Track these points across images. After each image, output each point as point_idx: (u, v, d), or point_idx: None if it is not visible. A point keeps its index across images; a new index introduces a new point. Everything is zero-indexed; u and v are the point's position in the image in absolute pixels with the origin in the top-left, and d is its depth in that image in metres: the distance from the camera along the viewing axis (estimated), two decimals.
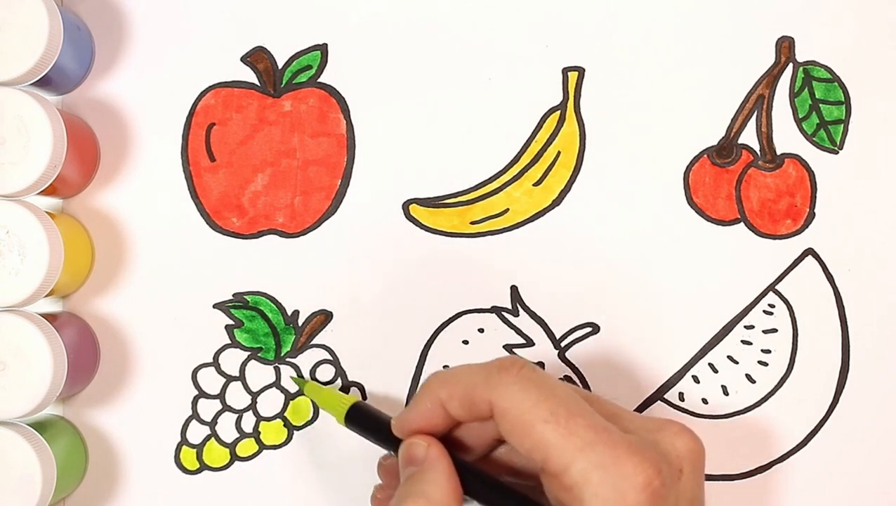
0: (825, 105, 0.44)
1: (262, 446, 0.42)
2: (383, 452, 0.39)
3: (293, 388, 0.42)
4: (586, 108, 0.43)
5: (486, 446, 0.35)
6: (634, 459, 0.30)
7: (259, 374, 0.42)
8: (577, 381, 0.43)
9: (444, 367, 0.42)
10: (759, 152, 0.43)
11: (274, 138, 0.43)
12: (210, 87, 0.43)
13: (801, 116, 0.44)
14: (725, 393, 0.43)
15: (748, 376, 0.43)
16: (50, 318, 0.39)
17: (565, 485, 0.30)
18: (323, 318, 0.42)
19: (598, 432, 0.31)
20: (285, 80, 0.43)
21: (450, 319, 0.43)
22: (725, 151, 0.43)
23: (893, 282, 0.43)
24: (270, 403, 0.42)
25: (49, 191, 0.39)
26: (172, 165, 0.42)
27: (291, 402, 0.42)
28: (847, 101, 0.44)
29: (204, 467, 0.42)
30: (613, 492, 0.30)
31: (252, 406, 0.42)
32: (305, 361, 0.42)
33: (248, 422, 0.42)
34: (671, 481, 0.31)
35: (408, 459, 0.34)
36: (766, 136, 0.43)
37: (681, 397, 0.43)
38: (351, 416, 0.38)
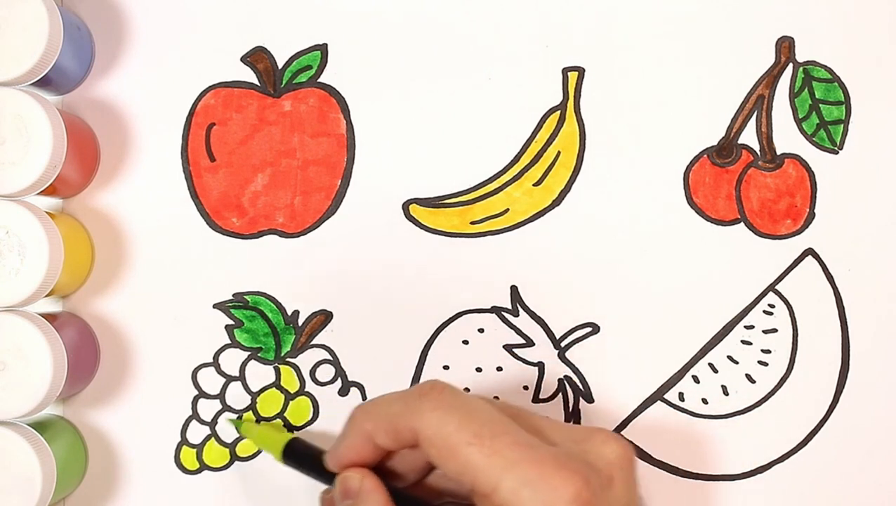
0: (825, 105, 0.44)
1: None
2: None
3: (293, 388, 0.42)
4: (586, 108, 0.43)
5: (419, 471, 0.35)
6: (562, 473, 0.30)
7: (259, 374, 0.42)
8: (577, 381, 0.43)
9: (444, 368, 0.42)
10: (759, 152, 0.43)
11: (274, 138, 0.43)
12: (210, 87, 0.43)
13: (801, 116, 0.44)
14: (725, 393, 0.43)
15: (748, 376, 0.43)
16: (50, 318, 0.39)
17: (496, 504, 0.30)
18: (323, 318, 0.42)
19: (523, 450, 0.31)
20: (285, 80, 0.43)
21: (450, 319, 0.42)
22: (725, 151, 0.43)
23: (893, 282, 0.43)
24: (270, 403, 0.42)
25: (49, 191, 0.39)
26: (172, 165, 0.42)
27: (291, 402, 0.42)
28: (847, 101, 0.44)
29: (204, 467, 0.42)
30: None
31: (252, 406, 0.42)
32: (305, 361, 0.42)
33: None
34: (601, 490, 0.31)
35: (343, 492, 0.34)
36: (766, 136, 0.43)
37: (681, 397, 0.43)
38: (288, 453, 0.38)
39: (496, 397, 0.42)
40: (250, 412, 0.42)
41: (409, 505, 0.33)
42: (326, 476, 0.36)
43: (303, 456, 0.38)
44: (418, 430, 0.32)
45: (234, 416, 0.42)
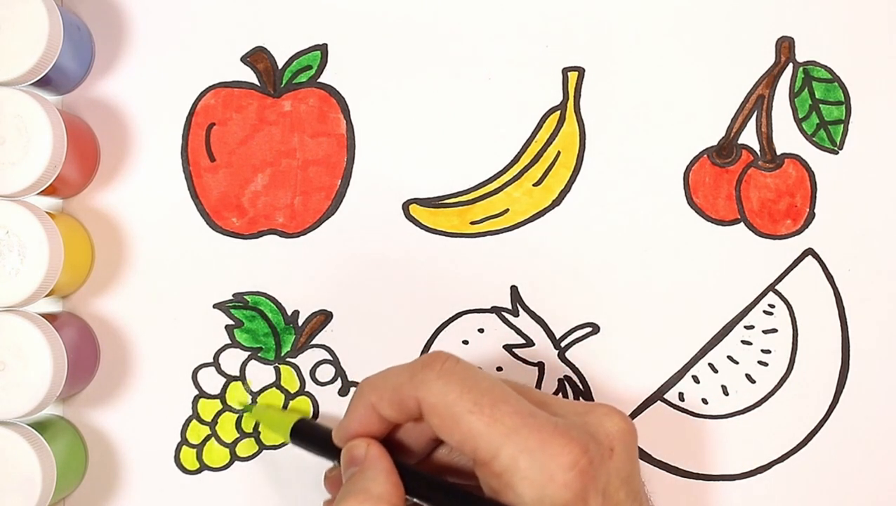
0: (825, 105, 0.44)
1: (262, 446, 0.42)
2: None
3: (293, 388, 0.42)
4: (586, 108, 0.43)
5: (424, 447, 0.35)
6: (560, 440, 0.31)
7: (259, 374, 0.42)
8: (577, 381, 0.43)
9: None
10: (759, 152, 0.43)
11: (274, 138, 0.43)
12: (210, 87, 0.43)
13: (801, 116, 0.44)
14: (725, 393, 0.43)
15: (748, 376, 0.43)
16: (50, 318, 0.39)
17: (495, 472, 0.31)
18: (323, 318, 0.42)
19: (523, 418, 0.31)
20: (285, 80, 0.43)
21: (450, 319, 0.43)
22: (725, 151, 0.43)
23: (893, 282, 0.43)
24: (270, 403, 0.42)
25: (49, 191, 0.39)
26: (172, 165, 0.42)
27: (291, 402, 0.42)
28: (847, 101, 0.44)
29: (204, 467, 0.42)
30: (542, 474, 0.30)
31: (252, 406, 0.42)
32: (305, 361, 0.42)
33: (249, 422, 0.42)
34: (600, 460, 0.31)
35: (349, 460, 0.34)
36: (766, 136, 0.43)
37: (681, 397, 0.43)
38: (296, 432, 0.38)
39: None
40: (266, 394, 0.42)
41: (413, 478, 0.33)
42: (333, 453, 0.36)
43: (310, 435, 0.38)
44: (421, 399, 0.32)
45: (249, 400, 0.42)
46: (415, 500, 0.33)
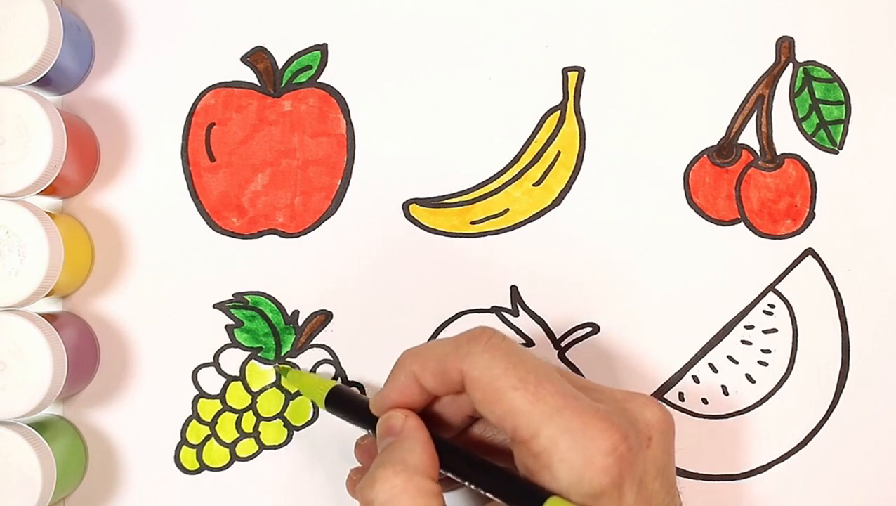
0: (825, 105, 0.44)
1: (262, 446, 0.42)
2: None
3: (294, 387, 0.42)
4: (586, 108, 0.43)
5: (461, 421, 0.35)
6: (601, 424, 0.30)
7: (259, 374, 0.42)
8: None
9: None
10: (759, 152, 0.43)
11: (274, 138, 0.43)
12: (210, 87, 0.43)
13: (801, 116, 0.44)
14: (725, 393, 0.43)
15: (748, 376, 0.43)
16: (50, 318, 0.39)
17: (534, 452, 0.31)
18: (323, 318, 0.42)
19: (566, 399, 0.31)
20: (285, 80, 0.43)
21: (450, 319, 0.42)
22: (725, 150, 0.43)
23: (893, 282, 0.43)
24: (270, 403, 0.42)
25: (49, 191, 0.39)
26: (172, 165, 0.42)
27: (291, 402, 0.42)
28: (847, 101, 0.44)
29: (204, 467, 0.42)
30: (581, 457, 0.30)
31: (252, 406, 0.42)
32: (305, 361, 0.42)
33: (249, 422, 0.42)
34: (638, 448, 0.31)
35: (386, 430, 0.34)
36: (766, 136, 0.43)
37: (681, 397, 0.43)
38: (331, 399, 0.38)
39: None
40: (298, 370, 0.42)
41: (448, 452, 0.33)
42: (368, 422, 0.36)
43: (347, 402, 0.38)
44: (466, 371, 0.32)
45: (276, 368, 0.42)
46: (449, 474, 0.33)
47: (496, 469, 0.33)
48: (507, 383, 0.31)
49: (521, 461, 0.32)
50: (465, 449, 0.34)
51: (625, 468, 0.30)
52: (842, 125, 0.44)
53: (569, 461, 0.30)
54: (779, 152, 0.43)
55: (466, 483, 0.33)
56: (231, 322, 0.42)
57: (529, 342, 0.43)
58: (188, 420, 0.42)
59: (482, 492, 0.32)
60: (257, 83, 0.43)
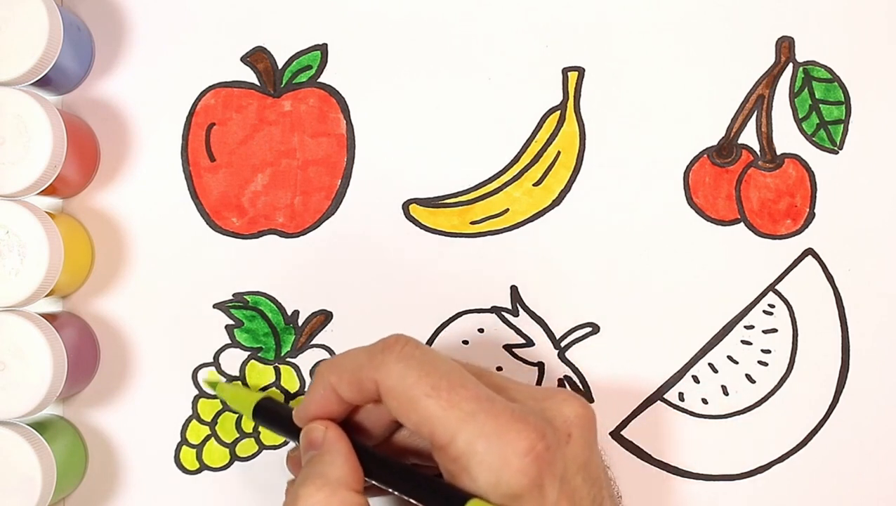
0: (825, 105, 0.44)
1: (262, 446, 0.42)
2: None
3: (293, 388, 0.42)
4: (586, 108, 0.43)
5: (385, 428, 0.35)
6: (517, 425, 0.30)
7: (259, 374, 0.42)
8: (577, 381, 0.43)
9: None
10: (759, 152, 0.43)
11: (274, 138, 0.43)
12: (210, 87, 0.43)
13: (801, 116, 0.44)
14: (725, 393, 0.43)
15: (748, 376, 0.43)
16: (50, 318, 0.39)
17: (452, 456, 0.31)
18: (323, 318, 0.42)
19: (480, 403, 0.31)
20: (285, 80, 0.43)
21: (450, 319, 0.43)
22: (725, 150, 0.43)
23: (893, 282, 0.43)
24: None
25: (49, 191, 0.39)
26: (172, 165, 0.42)
27: (291, 402, 0.42)
28: (847, 101, 0.44)
29: (204, 467, 0.42)
30: (498, 459, 0.30)
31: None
32: (305, 361, 0.42)
33: (249, 422, 0.42)
34: (557, 445, 0.31)
35: (307, 443, 0.34)
36: (766, 136, 0.43)
37: (681, 397, 0.43)
38: (258, 412, 0.38)
39: None
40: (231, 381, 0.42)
41: (372, 460, 0.33)
42: (295, 433, 0.36)
43: (272, 414, 0.38)
44: (380, 381, 0.32)
45: (221, 378, 0.42)
46: (374, 482, 0.33)
47: (418, 475, 0.33)
48: (421, 390, 0.31)
49: (442, 465, 0.32)
50: (387, 457, 0.34)
51: (543, 467, 0.30)
52: (842, 125, 0.44)
53: (486, 464, 0.30)
54: (779, 152, 0.43)
55: (390, 490, 0.33)
56: (231, 322, 0.42)
57: (529, 342, 0.43)
58: (188, 420, 0.42)
59: (405, 498, 0.32)
60: (257, 83, 0.43)
